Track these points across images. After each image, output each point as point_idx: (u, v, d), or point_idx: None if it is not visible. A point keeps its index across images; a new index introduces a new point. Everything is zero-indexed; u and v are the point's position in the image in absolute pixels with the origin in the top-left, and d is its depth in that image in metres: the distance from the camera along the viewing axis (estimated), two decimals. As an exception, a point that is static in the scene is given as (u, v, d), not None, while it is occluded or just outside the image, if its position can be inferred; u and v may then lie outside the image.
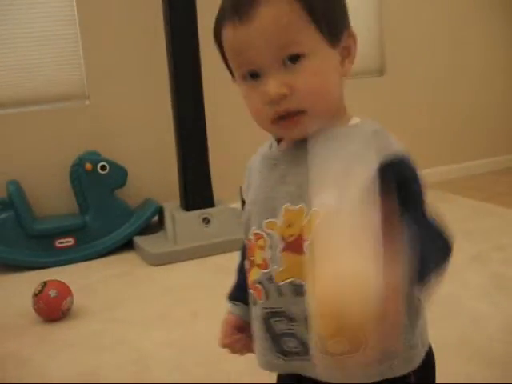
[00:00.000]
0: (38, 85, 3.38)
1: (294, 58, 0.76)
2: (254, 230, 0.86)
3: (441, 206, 3.06)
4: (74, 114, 3.45)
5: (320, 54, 0.77)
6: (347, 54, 0.81)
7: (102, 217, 3.28)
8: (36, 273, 3.01)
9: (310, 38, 0.76)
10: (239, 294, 0.99)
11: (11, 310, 2.58)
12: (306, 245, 0.78)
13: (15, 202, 3.12)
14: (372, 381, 0.81)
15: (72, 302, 2.49)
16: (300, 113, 0.78)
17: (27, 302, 2.45)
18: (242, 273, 0.99)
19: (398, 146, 0.76)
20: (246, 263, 0.90)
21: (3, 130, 3.33)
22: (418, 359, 0.85)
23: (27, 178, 3.33)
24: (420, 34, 4.20)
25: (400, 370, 0.83)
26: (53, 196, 3.41)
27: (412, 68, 4.21)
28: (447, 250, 0.73)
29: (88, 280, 2.89)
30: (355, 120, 0.83)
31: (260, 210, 0.86)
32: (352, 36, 0.81)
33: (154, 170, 3.61)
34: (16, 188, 3.18)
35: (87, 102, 3.47)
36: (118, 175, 3.31)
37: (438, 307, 2.25)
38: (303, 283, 0.79)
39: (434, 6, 4.22)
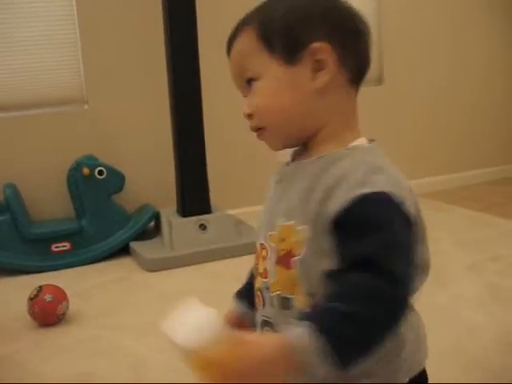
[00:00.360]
0: (37, 89, 3.39)
1: (250, 82, 0.86)
2: (260, 240, 0.89)
3: (437, 215, 3.10)
4: (72, 118, 3.45)
5: (269, 75, 0.83)
6: (321, 66, 0.82)
7: (99, 222, 3.28)
8: (31, 277, 3.00)
9: (260, 62, 0.83)
10: (244, 293, 1.02)
11: (6, 314, 2.57)
12: (293, 260, 0.81)
13: (12, 205, 3.12)
14: None
15: (67, 307, 2.48)
16: (261, 129, 0.87)
17: (22, 307, 2.44)
18: (251, 274, 1.03)
19: (380, 182, 0.75)
20: (254, 270, 0.94)
21: (1, 133, 3.33)
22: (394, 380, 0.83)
23: (24, 181, 3.33)
24: (418, 43, 4.22)
25: None
26: (49, 200, 3.40)
27: (410, 78, 4.22)
28: (388, 321, 0.70)
29: (84, 285, 2.88)
30: (358, 141, 0.85)
31: (265, 222, 0.90)
32: (323, 48, 0.81)
33: (151, 176, 3.61)
34: (13, 191, 3.18)
35: (86, 107, 3.48)
36: (116, 180, 3.31)
37: (434, 317, 2.25)
38: (289, 297, 0.82)
39: (433, 15, 4.23)
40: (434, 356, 0.92)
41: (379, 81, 4.13)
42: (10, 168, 3.33)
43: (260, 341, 0.70)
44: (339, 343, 0.66)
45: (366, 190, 0.74)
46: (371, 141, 0.87)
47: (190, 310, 0.72)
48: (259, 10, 0.87)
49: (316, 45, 0.81)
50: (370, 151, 0.83)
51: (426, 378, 0.89)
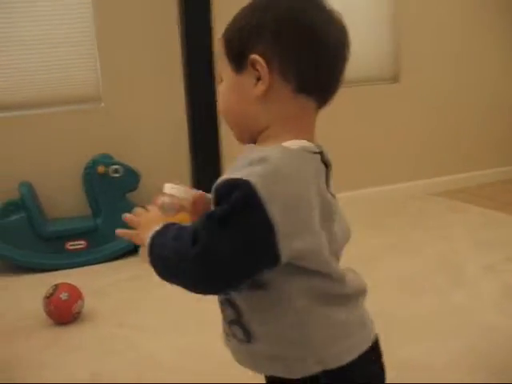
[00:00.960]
0: (54, 87, 3.40)
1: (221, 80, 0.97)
2: None
3: (452, 215, 3.06)
4: (88, 116, 3.46)
5: (226, 80, 0.95)
6: (260, 76, 0.89)
7: (114, 220, 3.25)
8: (47, 275, 3.01)
9: (223, 68, 0.94)
10: None
11: (22, 312, 2.59)
12: None
13: (27, 203, 3.14)
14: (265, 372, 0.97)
15: (83, 306, 2.49)
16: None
17: (38, 305, 2.46)
18: None
19: (246, 172, 0.81)
20: None
21: (17, 131, 3.34)
22: (299, 371, 0.91)
23: (40, 179, 3.34)
24: (434, 41, 4.19)
25: (285, 373, 0.92)
26: (65, 198, 3.42)
27: (426, 76, 4.20)
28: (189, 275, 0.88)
29: (99, 283, 2.89)
30: (289, 143, 0.88)
31: None
32: (257, 61, 0.88)
33: (166, 174, 3.61)
34: (28, 189, 3.19)
35: (102, 105, 3.49)
36: (131, 179, 3.31)
37: (449, 317, 2.24)
38: None
39: (449, 14, 4.21)
40: (448, 356, 0.91)
41: (395, 79, 4.10)
42: (25, 166, 3.34)
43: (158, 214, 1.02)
44: (154, 252, 0.94)
45: (230, 176, 0.83)
46: (318, 146, 0.91)
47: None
48: (232, 19, 0.95)
49: (253, 57, 0.88)
50: (285, 151, 0.85)
51: (355, 376, 0.93)
